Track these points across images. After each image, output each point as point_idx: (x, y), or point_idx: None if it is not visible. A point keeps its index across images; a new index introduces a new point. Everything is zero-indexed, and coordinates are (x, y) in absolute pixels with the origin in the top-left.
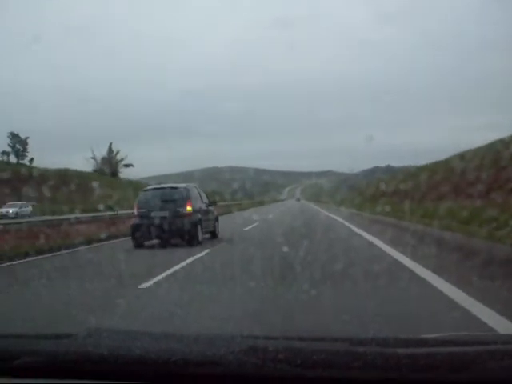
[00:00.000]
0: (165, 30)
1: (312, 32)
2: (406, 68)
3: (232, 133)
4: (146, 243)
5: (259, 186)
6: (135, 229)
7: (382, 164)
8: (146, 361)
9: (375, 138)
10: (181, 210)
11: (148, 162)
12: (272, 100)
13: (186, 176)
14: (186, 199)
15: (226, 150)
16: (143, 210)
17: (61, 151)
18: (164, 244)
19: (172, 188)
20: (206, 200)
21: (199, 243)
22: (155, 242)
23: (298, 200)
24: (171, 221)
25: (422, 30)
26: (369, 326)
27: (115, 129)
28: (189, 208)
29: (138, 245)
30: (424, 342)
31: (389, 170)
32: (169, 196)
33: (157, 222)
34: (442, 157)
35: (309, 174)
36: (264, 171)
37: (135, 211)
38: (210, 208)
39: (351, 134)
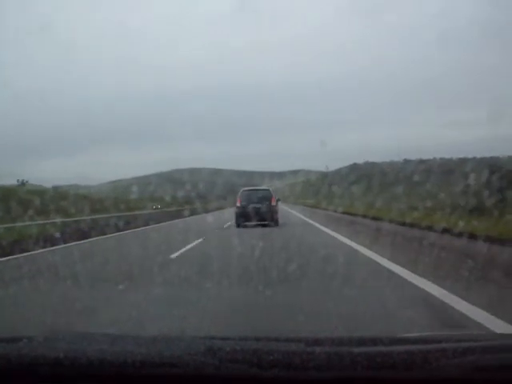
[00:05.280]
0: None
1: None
2: (382, 64)
3: (197, 135)
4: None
5: (228, 188)
6: (238, 215)
7: (361, 161)
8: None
9: (354, 135)
10: (268, 203)
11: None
12: (244, 101)
13: (162, 177)
14: (271, 196)
15: (191, 153)
16: (244, 203)
17: None
18: (255, 225)
19: (261, 189)
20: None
21: (277, 225)
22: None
23: None
24: (262, 210)
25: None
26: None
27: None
28: (273, 203)
29: (239, 225)
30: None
31: (368, 166)
32: (260, 194)
33: (253, 210)
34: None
35: (280, 174)
36: (238, 172)
37: (238, 204)
38: (278, 203)
39: (324, 132)
